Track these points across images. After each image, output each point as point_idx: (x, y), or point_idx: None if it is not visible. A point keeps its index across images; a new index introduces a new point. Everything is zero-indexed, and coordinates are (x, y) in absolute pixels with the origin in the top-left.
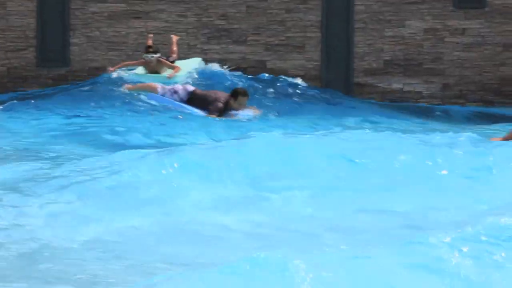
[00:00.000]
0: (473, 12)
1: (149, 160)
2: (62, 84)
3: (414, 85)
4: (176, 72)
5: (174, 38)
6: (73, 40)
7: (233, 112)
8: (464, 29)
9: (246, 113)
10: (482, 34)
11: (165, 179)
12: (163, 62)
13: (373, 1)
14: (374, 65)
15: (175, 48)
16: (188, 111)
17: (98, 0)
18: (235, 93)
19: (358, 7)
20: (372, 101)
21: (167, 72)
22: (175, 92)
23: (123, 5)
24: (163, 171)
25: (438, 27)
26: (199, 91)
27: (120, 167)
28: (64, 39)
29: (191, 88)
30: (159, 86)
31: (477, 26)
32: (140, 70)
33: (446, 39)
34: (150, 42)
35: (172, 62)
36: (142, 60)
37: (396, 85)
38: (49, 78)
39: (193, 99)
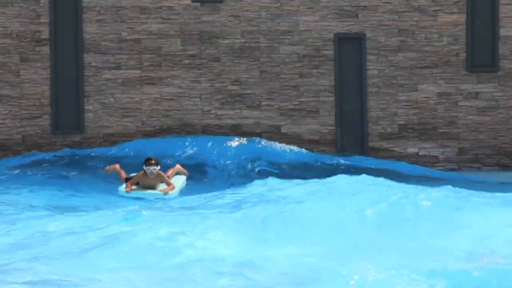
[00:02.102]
0: (485, 76)
1: None
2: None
3: (430, 149)
4: (170, 189)
5: (178, 167)
6: (88, 107)
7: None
8: (477, 93)
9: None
10: (495, 98)
11: None
12: (162, 176)
13: (385, 66)
14: (389, 129)
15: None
16: None
17: (112, 67)
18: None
19: (370, 72)
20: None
21: (160, 187)
22: None
23: (137, 71)
24: None
25: (451, 91)
26: None
27: None
28: (78, 106)
29: None
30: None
31: (490, 89)
32: (123, 186)
33: (459, 103)
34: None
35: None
36: (142, 172)
37: (411, 149)
38: (64, 145)
39: None
